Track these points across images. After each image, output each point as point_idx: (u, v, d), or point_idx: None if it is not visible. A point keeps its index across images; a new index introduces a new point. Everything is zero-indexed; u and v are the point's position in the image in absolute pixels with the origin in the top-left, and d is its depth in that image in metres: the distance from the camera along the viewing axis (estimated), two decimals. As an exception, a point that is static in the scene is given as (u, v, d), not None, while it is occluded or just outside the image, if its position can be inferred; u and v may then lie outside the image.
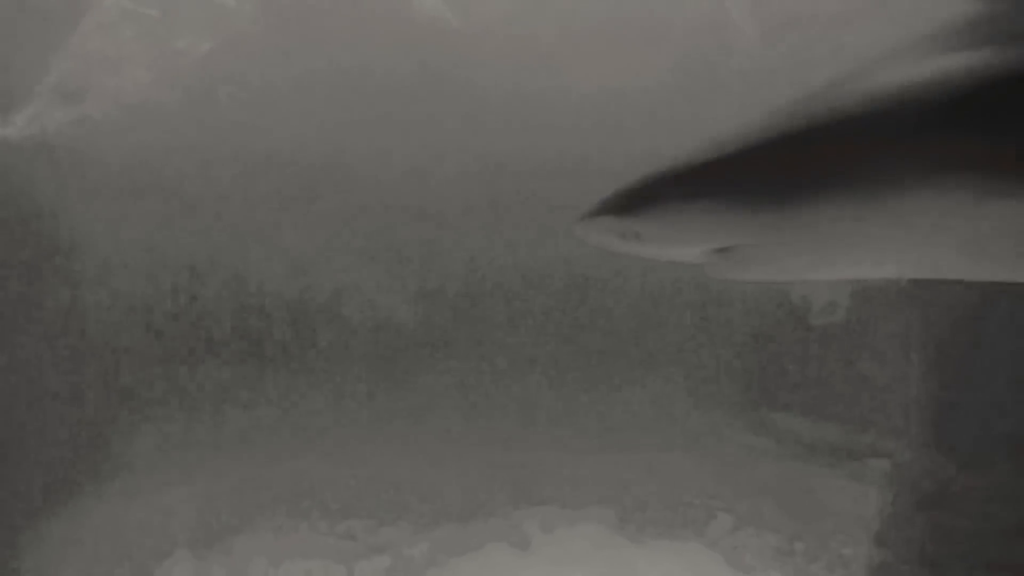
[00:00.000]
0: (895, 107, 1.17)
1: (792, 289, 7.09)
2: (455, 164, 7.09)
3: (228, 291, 6.61)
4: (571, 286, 7.43)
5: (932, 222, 1.19)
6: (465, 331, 7.30)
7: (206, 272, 6.55)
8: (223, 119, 6.35)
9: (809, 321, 7.15)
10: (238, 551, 6.40)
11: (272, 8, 6.54)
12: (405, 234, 7.41)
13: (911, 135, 1.14)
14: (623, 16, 7.42)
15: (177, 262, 6.46)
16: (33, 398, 6.16)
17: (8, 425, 6.09)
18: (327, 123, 6.42)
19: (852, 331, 6.62)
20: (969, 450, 4.15)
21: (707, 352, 7.63)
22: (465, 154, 6.94)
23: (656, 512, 7.29)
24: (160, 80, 6.17)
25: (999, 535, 4.08)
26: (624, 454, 7.25)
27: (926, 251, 1.32)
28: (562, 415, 7.26)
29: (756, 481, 7.16)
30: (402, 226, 7.35)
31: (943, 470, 4.37)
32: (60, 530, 6.17)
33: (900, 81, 1.20)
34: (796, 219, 1.31)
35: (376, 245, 7.35)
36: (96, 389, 6.49)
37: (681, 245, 1.58)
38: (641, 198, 1.51)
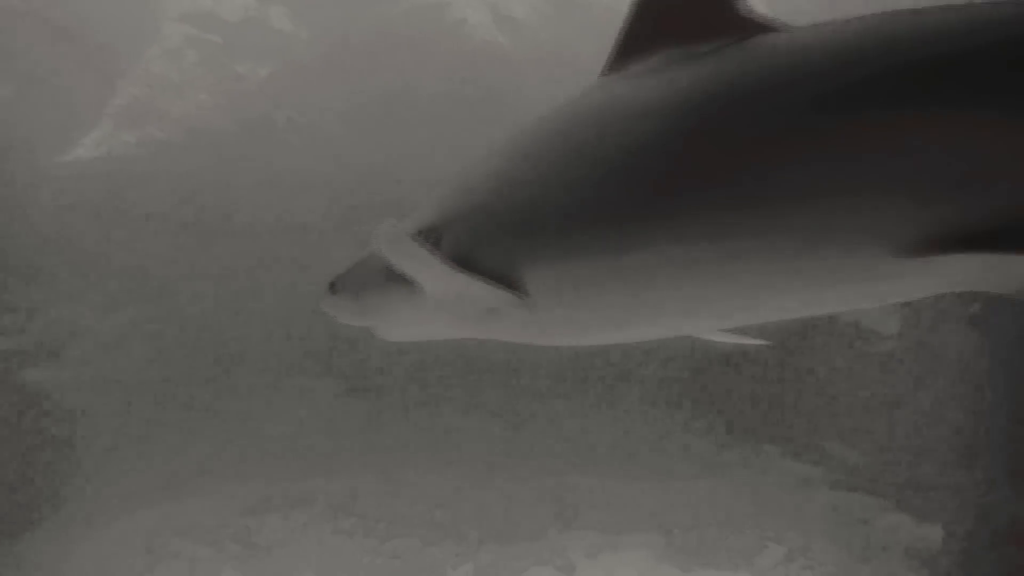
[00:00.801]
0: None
1: (841, 316, 6.93)
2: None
3: (277, 309, 6.70)
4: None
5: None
6: (506, 354, 7.28)
7: (256, 290, 6.66)
8: (279, 142, 6.50)
9: (859, 347, 6.97)
10: (284, 566, 6.44)
11: (328, 34, 6.70)
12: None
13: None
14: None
15: (228, 281, 6.58)
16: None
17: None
18: (380, 145, 6.50)
19: (913, 357, 6.41)
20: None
21: (751, 379, 7.49)
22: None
23: (704, 540, 7.13)
24: (220, 104, 6.35)
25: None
26: (671, 481, 7.12)
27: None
28: (606, 439, 7.16)
29: (807, 512, 6.96)
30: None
31: (1017, 505, 4.14)
32: (92, 548, 6.28)
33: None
34: (367, 302, 2.04)
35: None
36: (143, 400, 6.63)
37: (355, 320, 2.20)
38: (325, 291, 2.28)
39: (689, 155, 1.28)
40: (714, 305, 1.40)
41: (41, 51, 6.30)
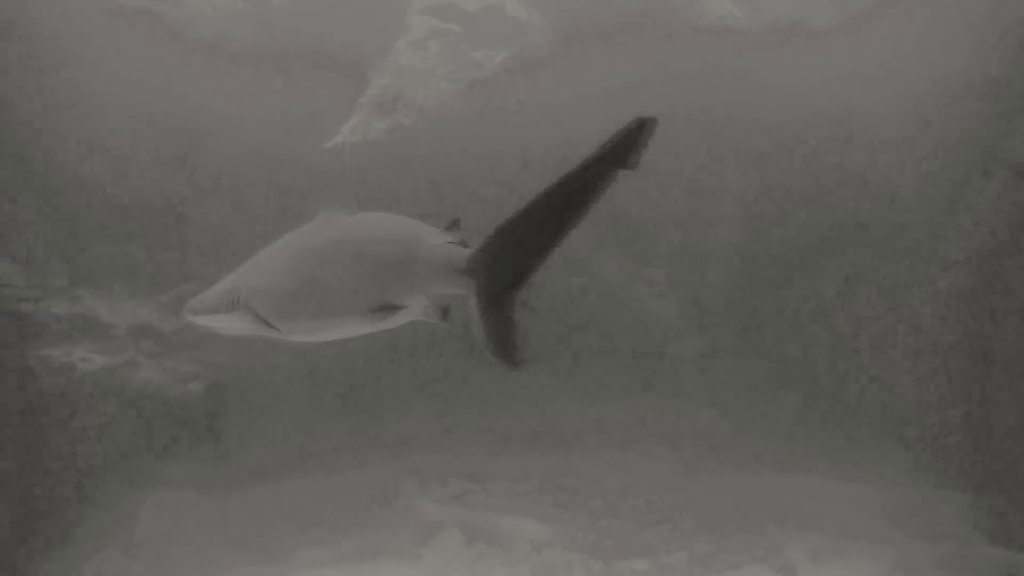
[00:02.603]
0: None
1: None
2: (736, 170, 6.91)
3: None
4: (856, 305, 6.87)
5: None
6: (734, 345, 7.07)
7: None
8: (511, 126, 6.76)
9: None
10: (503, 535, 6.70)
11: (562, 21, 6.84)
12: (672, 237, 7.41)
13: None
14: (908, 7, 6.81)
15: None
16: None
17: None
18: (615, 126, 6.51)
19: None
20: None
21: (1008, 385, 6.67)
22: (753, 146, 6.72)
23: (942, 557, 6.46)
24: (460, 91, 6.71)
25: None
26: (909, 488, 6.55)
27: None
28: (839, 438, 6.73)
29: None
30: (671, 231, 7.37)
31: None
32: (342, 492, 6.88)
33: None
34: (208, 318, 3.07)
35: (641, 247, 7.44)
36: (399, 370, 7.19)
37: (203, 325, 3.11)
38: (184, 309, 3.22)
39: (317, 274, 2.60)
40: (331, 331, 2.72)
41: (306, 47, 7.02)
